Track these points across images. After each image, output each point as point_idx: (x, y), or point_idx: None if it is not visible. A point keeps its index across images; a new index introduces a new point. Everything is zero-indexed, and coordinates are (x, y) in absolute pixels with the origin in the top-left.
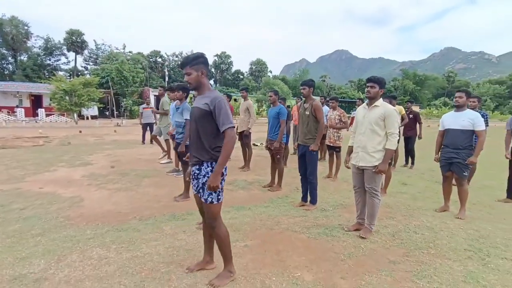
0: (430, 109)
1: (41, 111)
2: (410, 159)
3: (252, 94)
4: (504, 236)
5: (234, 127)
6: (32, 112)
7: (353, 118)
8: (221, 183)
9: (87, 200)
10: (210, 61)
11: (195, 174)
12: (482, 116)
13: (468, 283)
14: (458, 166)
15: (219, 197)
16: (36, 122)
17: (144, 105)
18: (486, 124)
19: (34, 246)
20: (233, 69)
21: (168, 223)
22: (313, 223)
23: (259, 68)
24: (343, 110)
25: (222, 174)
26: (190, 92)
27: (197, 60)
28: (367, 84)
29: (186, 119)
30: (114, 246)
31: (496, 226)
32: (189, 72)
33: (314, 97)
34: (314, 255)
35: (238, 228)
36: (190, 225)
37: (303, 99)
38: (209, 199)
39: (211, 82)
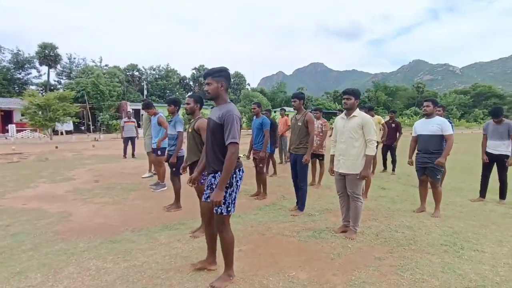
0: (402, 118)
1: (11, 127)
2: (392, 165)
3: None
4: (474, 231)
5: (237, 143)
6: (1, 128)
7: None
8: (234, 192)
9: (75, 215)
10: (188, 74)
11: (211, 184)
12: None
13: (446, 273)
14: (431, 170)
15: (229, 208)
16: (6, 138)
17: (125, 119)
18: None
19: (27, 260)
20: None
21: (161, 233)
22: (302, 227)
23: (237, 80)
24: (325, 120)
25: (232, 185)
26: (182, 106)
27: (220, 73)
28: (344, 96)
29: (178, 131)
30: (110, 257)
31: (467, 222)
32: (210, 83)
33: (291, 108)
34: (306, 256)
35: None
36: (184, 234)
37: (295, 111)
38: (219, 210)
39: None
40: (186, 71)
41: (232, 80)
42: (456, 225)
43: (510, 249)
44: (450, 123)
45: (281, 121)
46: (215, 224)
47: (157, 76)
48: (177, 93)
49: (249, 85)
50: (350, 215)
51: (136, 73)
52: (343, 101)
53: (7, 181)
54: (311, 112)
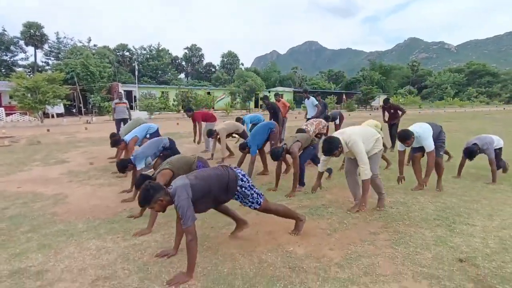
0: (396, 97)
1: (0, 110)
2: (391, 141)
3: (225, 86)
4: (466, 206)
5: (189, 227)
6: None
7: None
8: (252, 188)
9: (71, 197)
10: (180, 54)
11: None
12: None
13: (438, 246)
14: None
15: (259, 200)
16: None
17: (117, 100)
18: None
19: (26, 242)
20: (205, 62)
21: (159, 213)
22: (298, 205)
23: (230, 60)
24: (326, 124)
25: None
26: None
27: (151, 197)
28: (326, 155)
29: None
30: (110, 236)
31: (460, 198)
32: (152, 207)
33: (286, 88)
34: (303, 232)
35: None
36: None
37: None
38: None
39: (182, 75)
40: (178, 51)
41: (225, 59)
42: (449, 201)
43: (500, 222)
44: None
45: (279, 105)
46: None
47: (148, 56)
48: (169, 73)
49: (242, 65)
50: (374, 188)
51: (127, 53)
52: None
53: None
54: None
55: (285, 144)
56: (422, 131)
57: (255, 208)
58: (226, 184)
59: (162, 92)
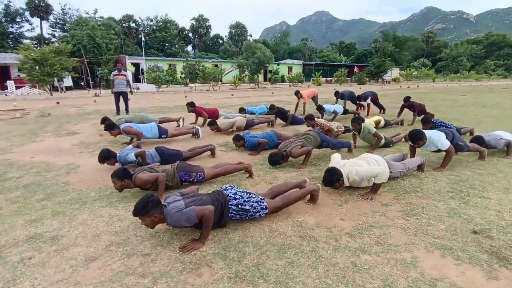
0: (409, 70)
1: (10, 83)
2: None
3: (233, 59)
4: (481, 179)
5: (203, 215)
6: (1, 85)
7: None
8: (249, 200)
9: (83, 167)
10: (187, 25)
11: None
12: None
13: (451, 217)
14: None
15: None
16: (6, 95)
17: (115, 72)
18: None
19: (41, 209)
20: (212, 33)
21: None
22: (308, 176)
23: (238, 32)
24: (320, 123)
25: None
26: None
27: (146, 209)
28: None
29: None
30: (122, 205)
31: (474, 171)
32: (143, 220)
33: (295, 61)
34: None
35: (238, 184)
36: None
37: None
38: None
39: (189, 47)
40: (185, 22)
41: (233, 31)
42: (463, 174)
43: None
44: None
45: (305, 95)
46: None
47: (155, 27)
48: (176, 45)
49: (251, 36)
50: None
51: (133, 25)
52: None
53: (12, 136)
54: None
55: (284, 151)
56: (434, 133)
57: (265, 214)
58: (221, 211)
59: (170, 65)
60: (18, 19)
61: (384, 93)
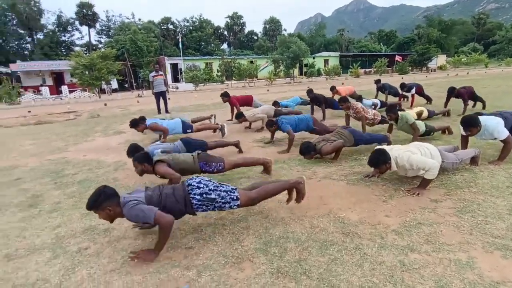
0: (458, 56)
1: (64, 88)
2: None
3: (267, 54)
4: None
5: (157, 220)
6: (56, 89)
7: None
8: (216, 189)
9: (130, 164)
10: (222, 24)
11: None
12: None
13: None
14: None
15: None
16: (61, 99)
17: (153, 73)
18: None
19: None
20: (246, 30)
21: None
22: (349, 171)
23: (273, 27)
24: (356, 106)
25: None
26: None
27: (97, 202)
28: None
29: None
30: None
31: None
32: (98, 214)
33: (331, 53)
34: (356, 198)
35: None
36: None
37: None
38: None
39: (224, 45)
40: (220, 21)
41: (267, 26)
42: None
43: None
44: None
45: (342, 92)
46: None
47: (191, 28)
48: (212, 44)
49: (285, 31)
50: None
51: (171, 27)
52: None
53: (67, 136)
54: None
55: (314, 145)
56: (491, 119)
57: (237, 206)
58: (183, 199)
59: (206, 64)
60: (69, 29)
61: (429, 82)
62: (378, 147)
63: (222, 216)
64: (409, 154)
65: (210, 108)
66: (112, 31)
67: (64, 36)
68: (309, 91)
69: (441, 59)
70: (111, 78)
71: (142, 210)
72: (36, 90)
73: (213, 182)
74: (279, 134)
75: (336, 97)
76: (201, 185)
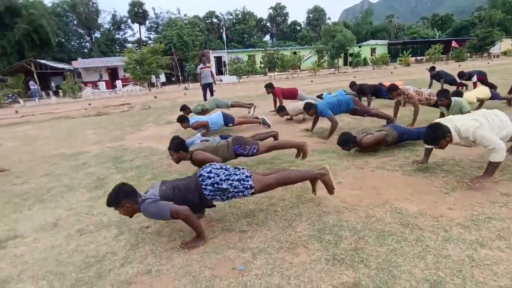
0: None
1: (118, 83)
2: None
3: (311, 45)
4: None
5: (176, 212)
6: (111, 84)
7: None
8: (228, 179)
9: None
10: (265, 15)
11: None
12: None
13: None
14: None
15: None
16: (115, 92)
17: (201, 65)
18: None
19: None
20: (289, 20)
21: (259, 166)
22: (404, 161)
23: (316, 16)
24: (408, 92)
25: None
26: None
27: (117, 199)
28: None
29: None
30: None
31: None
32: (118, 211)
33: (378, 41)
34: (413, 189)
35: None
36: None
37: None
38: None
39: (267, 37)
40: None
41: (311, 15)
42: None
43: None
44: None
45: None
46: None
47: (234, 20)
48: (254, 36)
49: (329, 19)
50: None
51: (215, 20)
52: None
53: (124, 126)
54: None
55: (355, 137)
56: None
57: (252, 194)
58: (196, 191)
59: (249, 56)
60: (122, 27)
61: (491, 69)
62: (434, 121)
63: (274, 203)
64: (476, 125)
65: (254, 99)
66: (160, 27)
67: (118, 34)
68: (352, 84)
69: (506, 44)
70: (160, 72)
71: (158, 208)
72: (94, 85)
73: (225, 171)
74: (324, 123)
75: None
76: (212, 175)
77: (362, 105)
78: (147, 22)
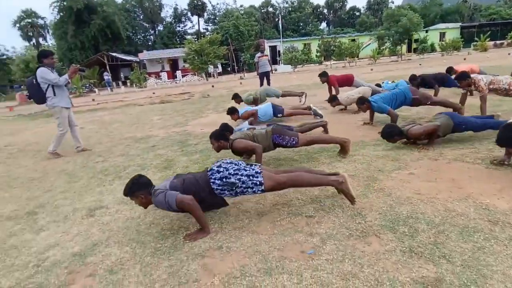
0: None
1: (178, 73)
2: None
3: (371, 31)
4: None
5: (181, 203)
6: (171, 74)
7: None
8: (237, 173)
9: None
10: (322, 2)
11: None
12: None
13: None
14: None
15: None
16: (176, 82)
17: (259, 54)
18: None
19: None
20: (348, 6)
21: (321, 154)
22: (487, 154)
23: (378, 0)
24: (478, 83)
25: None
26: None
27: (131, 189)
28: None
29: None
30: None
31: None
32: (133, 200)
33: (449, 24)
34: (501, 184)
35: (396, 158)
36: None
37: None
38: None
39: (323, 24)
40: None
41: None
42: None
43: None
44: None
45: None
46: None
47: (290, 9)
48: (310, 24)
49: (392, 3)
50: None
51: (271, 9)
52: None
53: (186, 112)
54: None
55: (403, 127)
56: None
57: (262, 191)
58: (206, 186)
59: (304, 44)
60: (183, 19)
61: None
62: (509, 121)
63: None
64: None
65: (310, 88)
66: (217, 18)
67: (179, 26)
68: (412, 78)
69: None
70: (217, 62)
71: (166, 197)
72: (157, 75)
73: (235, 165)
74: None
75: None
76: (221, 169)
77: (421, 93)
78: (205, 14)
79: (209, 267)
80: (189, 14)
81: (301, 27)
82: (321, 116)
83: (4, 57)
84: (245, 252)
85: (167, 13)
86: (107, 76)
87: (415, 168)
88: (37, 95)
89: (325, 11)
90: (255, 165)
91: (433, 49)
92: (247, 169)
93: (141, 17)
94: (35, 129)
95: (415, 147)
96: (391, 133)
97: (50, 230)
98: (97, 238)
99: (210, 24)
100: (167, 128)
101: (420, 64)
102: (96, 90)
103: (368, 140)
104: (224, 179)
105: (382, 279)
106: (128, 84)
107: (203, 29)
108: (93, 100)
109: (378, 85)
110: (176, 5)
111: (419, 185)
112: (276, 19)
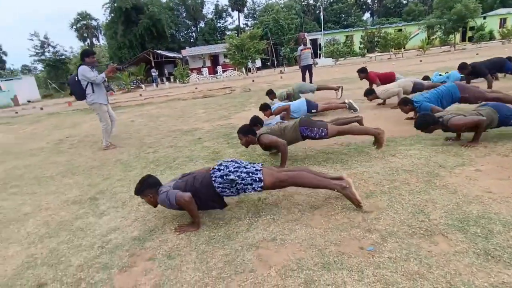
0: None
1: (219, 68)
2: None
3: (419, 20)
4: None
5: (181, 200)
6: (212, 70)
7: None
8: (236, 171)
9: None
10: None
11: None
12: None
13: None
14: None
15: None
16: (216, 77)
17: (302, 47)
18: None
19: (263, 161)
20: None
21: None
22: (501, 158)
23: None
24: None
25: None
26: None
27: (141, 189)
28: None
29: None
30: (329, 164)
31: None
32: (144, 200)
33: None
34: None
35: (458, 154)
36: (396, 151)
37: None
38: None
39: (367, 14)
40: None
41: None
42: None
43: None
44: None
45: None
46: None
47: (331, 0)
48: (352, 15)
49: None
50: None
51: (311, 2)
52: None
53: (228, 106)
54: None
55: (441, 117)
56: None
57: (261, 188)
58: (208, 185)
59: (346, 36)
60: (223, 15)
61: None
62: None
63: (397, 186)
64: None
65: (354, 81)
66: (257, 13)
67: (219, 22)
68: (462, 67)
69: None
70: (257, 57)
71: (168, 195)
72: (198, 71)
73: (236, 163)
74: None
75: None
76: (222, 167)
77: (471, 90)
78: (245, 9)
79: (264, 258)
80: (229, 9)
81: (343, 18)
82: (355, 110)
83: (63, 57)
84: (300, 245)
85: (208, 9)
86: (154, 72)
87: (482, 165)
88: (78, 92)
89: (369, 0)
90: (258, 164)
91: (491, 37)
92: (248, 166)
93: (184, 14)
94: (91, 122)
95: (480, 141)
96: (426, 122)
97: (111, 215)
98: (154, 224)
99: (250, 19)
100: (212, 121)
101: (477, 54)
102: (143, 86)
103: (424, 134)
104: (224, 177)
105: (455, 282)
106: (172, 80)
107: (243, 24)
108: (140, 95)
109: (427, 78)
110: (217, 1)
111: (489, 183)
112: (317, 11)
